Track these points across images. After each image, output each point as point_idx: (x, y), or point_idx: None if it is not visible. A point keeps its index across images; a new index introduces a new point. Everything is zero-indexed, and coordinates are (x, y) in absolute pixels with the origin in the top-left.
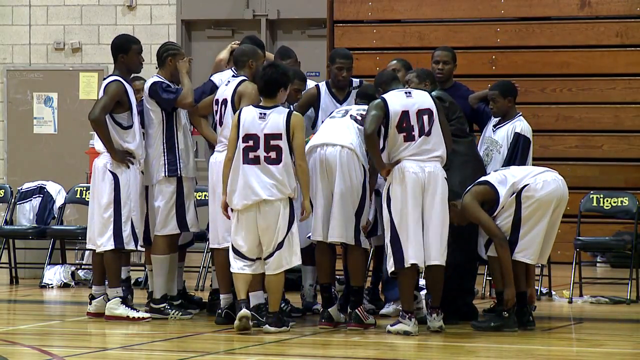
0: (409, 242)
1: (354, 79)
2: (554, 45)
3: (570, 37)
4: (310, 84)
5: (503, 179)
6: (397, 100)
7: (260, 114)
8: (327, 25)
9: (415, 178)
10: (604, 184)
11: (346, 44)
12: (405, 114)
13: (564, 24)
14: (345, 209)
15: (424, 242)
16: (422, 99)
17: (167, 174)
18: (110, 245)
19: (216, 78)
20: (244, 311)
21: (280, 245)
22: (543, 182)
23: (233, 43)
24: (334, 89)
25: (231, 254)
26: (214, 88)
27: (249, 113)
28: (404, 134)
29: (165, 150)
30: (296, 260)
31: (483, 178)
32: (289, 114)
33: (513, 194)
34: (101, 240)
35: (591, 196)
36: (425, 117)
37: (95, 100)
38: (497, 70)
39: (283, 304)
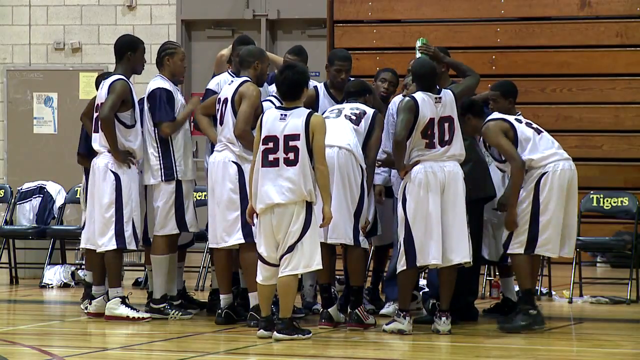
0: (429, 242)
1: (352, 79)
2: (554, 45)
3: (570, 37)
4: (312, 84)
5: (527, 137)
6: (428, 105)
7: (282, 115)
8: (327, 25)
9: (434, 178)
10: (604, 184)
11: (346, 44)
12: (431, 122)
13: (564, 24)
14: (344, 209)
15: (446, 241)
16: (445, 105)
17: (164, 178)
18: (112, 245)
19: (214, 85)
20: (261, 332)
21: (290, 249)
22: (560, 170)
23: None
24: (332, 90)
25: (259, 262)
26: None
27: (271, 114)
28: (427, 140)
29: (160, 154)
30: (314, 266)
31: (503, 116)
32: (309, 115)
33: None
34: (102, 240)
35: (591, 196)
36: (447, 125)
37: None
38: (497, 70)
39: None
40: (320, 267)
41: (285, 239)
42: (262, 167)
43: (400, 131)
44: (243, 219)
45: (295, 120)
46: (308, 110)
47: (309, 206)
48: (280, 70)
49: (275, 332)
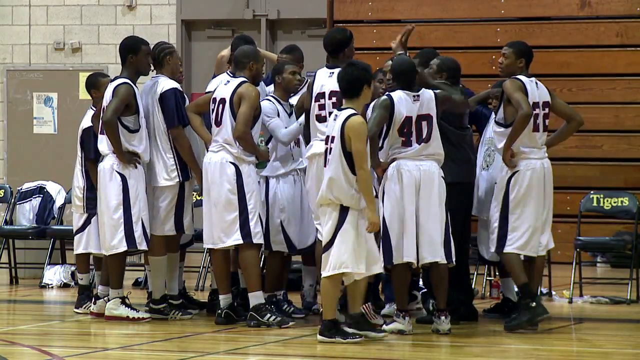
0: (403, 240)
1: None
2: (554, 45)
3: (570, 37)
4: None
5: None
6: (404, 103)
7: (335, 116)
8: (327, 25)
9: (409, 176)
10: (604, 184)
11: None
12: (408, 120)
13: (564, 24)
14: None
15: (420, 240)
16: (425, 103)
17: (181, 179)
18: (123, 247)
19: (212, 88)
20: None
21: (325, 250)
22: (532, 169)
23: None
24: None
25: None
26: None
27: (332, 117)
28: (403, 138)
29: (175, 155)
30: (342, 269)
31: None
32: (347, 118)
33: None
34: (113, 242)
35: (591, 196)
36: (424, 123)
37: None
38: (497, 70)
39: (285, 305)
40: (350, 270)
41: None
42: (324, 166)
43: (372, 127)
44: (242, 219)
45: (338, 122)
46: (349, 112)
47: (345, 210)
48: (344, 67)
49: (318, 335)
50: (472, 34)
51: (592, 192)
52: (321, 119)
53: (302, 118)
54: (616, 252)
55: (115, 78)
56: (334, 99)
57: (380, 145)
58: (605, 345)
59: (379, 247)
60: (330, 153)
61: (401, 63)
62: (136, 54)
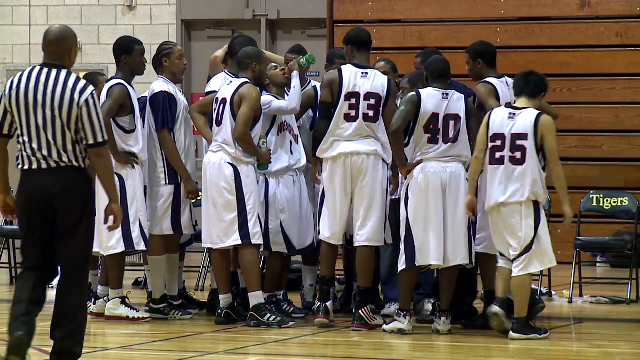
0: (429, 242)
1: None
2: (554, 45)
3: (570, 37)
4: (312, 84)
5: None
6: (432, 99)
7: (510, 114)
8: (327, 25)
9: (435, 178)
10: (604, 184)
11: None
12: (435, 117)
13: (564, 24)
14: (375, 213)
15: (447, 242)
16: (454, 103)
17: (167, 181)
18: (121, 248)
19: (217, 87)
20: (495, 308)
21: (528, 249)
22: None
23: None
24: None
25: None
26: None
27: (499, 113)
28: (429, 135)
29: (164, 156)
30: (547, 263)
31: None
32: (539, 115)
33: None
34: (110, 242)
35: (591, 196)
36: (452, 123)
37: None
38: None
39: (285, 305)
40: (555, 263)
41: (520, 240)
42: (490, 164)
43: (397, 121)
44: (240, 220)
45: (524, 119)
46: (538, 111)
47: (537, 206)
48: (525, 74)
49: (510, 332)
50: (472, 34)
51: (592, 192)
52: (350, 119)
53: (296, 81)
54: (616, 252)
55: (111, 79)
56: (371, 101)
57: (406, 142)
58: (605, 345)
59: None
60: (512, 151)
61: (435, 60)
62: (130, 54)
